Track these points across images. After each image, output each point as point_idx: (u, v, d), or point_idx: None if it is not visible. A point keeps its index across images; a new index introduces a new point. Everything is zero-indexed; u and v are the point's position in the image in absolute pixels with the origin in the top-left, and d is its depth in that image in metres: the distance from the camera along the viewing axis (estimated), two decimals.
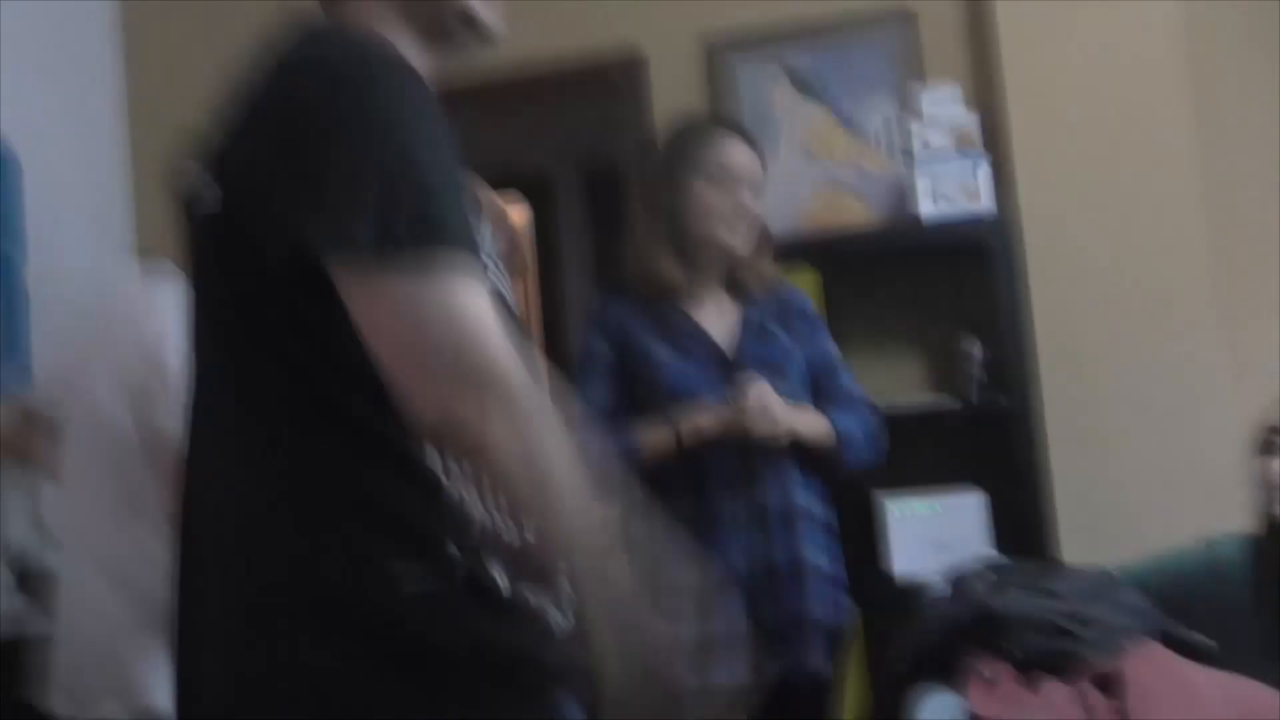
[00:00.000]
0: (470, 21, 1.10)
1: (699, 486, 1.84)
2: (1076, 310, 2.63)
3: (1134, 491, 2.56)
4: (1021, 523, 2.52)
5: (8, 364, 2.87)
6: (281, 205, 0.93)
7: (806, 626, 1.82)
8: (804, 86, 2.91)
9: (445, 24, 1.10)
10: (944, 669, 1.37)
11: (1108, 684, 0.96)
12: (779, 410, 1.80)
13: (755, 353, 1.92)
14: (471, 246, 0.94)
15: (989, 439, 2.71)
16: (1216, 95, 2.91)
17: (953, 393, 2.73)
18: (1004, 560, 1.78)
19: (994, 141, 2.71)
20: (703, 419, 1.82)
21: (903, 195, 2.76)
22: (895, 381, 2.83)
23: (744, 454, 1.83)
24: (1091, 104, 2.67)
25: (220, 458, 1.01)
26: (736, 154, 1.95)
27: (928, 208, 2.66)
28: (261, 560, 0.96)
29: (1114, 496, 2.56)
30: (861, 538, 2.51)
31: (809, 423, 1.88)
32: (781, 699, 1.59)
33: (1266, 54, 2.96)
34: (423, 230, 0.90)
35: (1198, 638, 1.23)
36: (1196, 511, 2.45)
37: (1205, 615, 1.71)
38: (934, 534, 2.51)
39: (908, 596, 2.16)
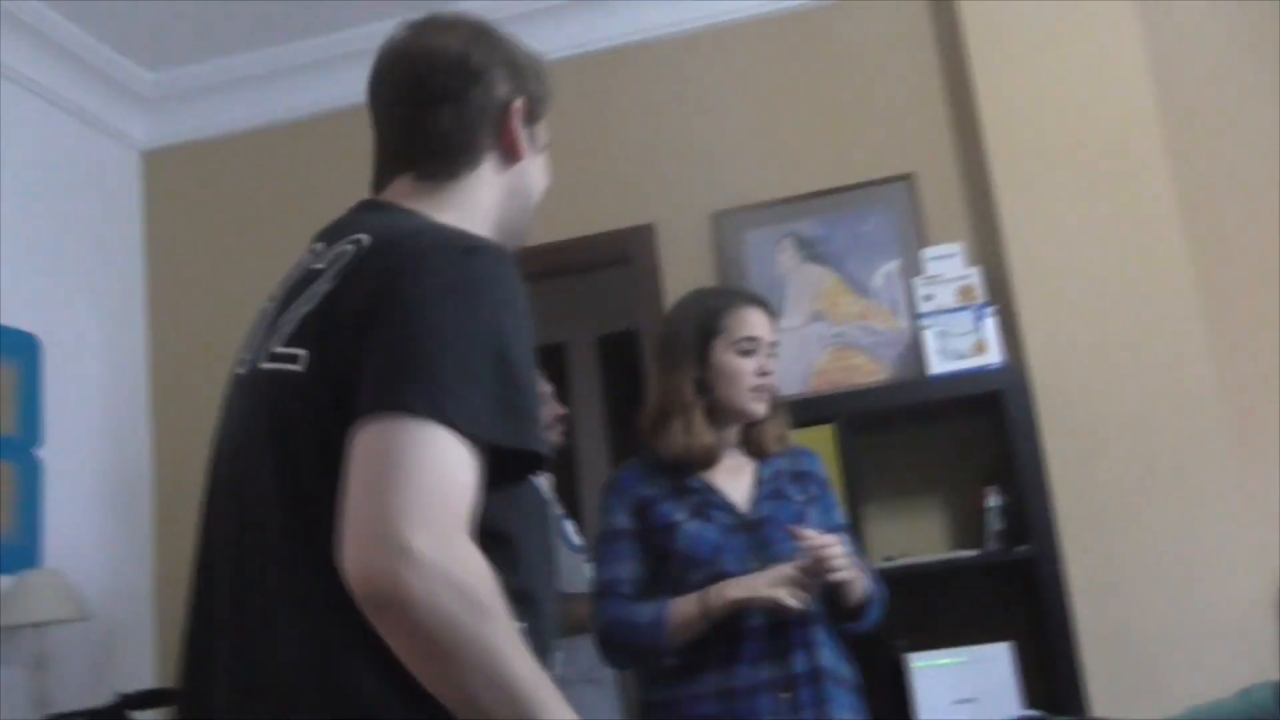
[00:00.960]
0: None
1: (729, 656, 1.83)
2: (1091, 457, 2.65)
3: (1160, 640, 2.52)
4: (1050, 674, 2.48)
5: (22, 540, 2.90)
6: (380, 377, 0.97)
7: None
8: (811, 252, 3.01)
9: (524, 230, 1.25)
10: None
11: None
12: (841, 557, 1.80)
13: (772, 513, 1.94)
14: (542, 443, 1.02)
15: (1012, 590, 2.69)
16: (1217, 247, 3.00)
17: (973, 545, 2.72)
18: (1037, 714, 1.75)
19: (999, 295, 2.78)
20: (733, 590, 1.82)
21: (913, 352, 2.82)
22: (915, 536, 2.83)
23: (774, 622, 1.83)
24: (1094, 252, 2.74)
25: (272, 605, 1.02)
26: (759, 323, 2.03)
27: (937, 362, 2.71)
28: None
29: (1141, 646, 2.52)
30: (890, 696, 2.46)
31: (856, 576, 1.87)
32: None
33: (1268, 218, 3.06)
34: (516, 423, 0.98)
35: None
36: (1225, 659, 2.41)
37: None
38: (961, 688, 2.46)
39: None
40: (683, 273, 3.00)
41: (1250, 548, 2.54)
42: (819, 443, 2.49)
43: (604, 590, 1.92)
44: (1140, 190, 2.75)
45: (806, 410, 2.50)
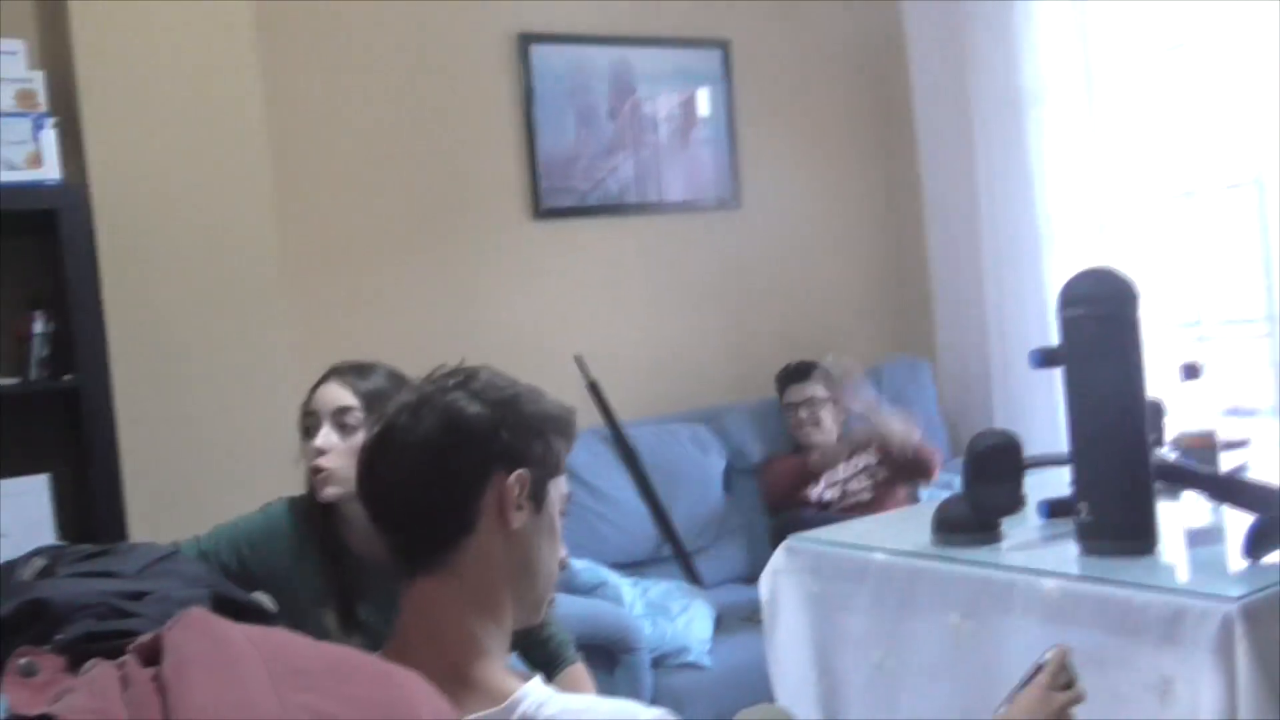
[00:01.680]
0: None
1: None
2: (148, 286, 2.61)
3: (203, 468, 2.63)
4: (90, 506, 2.44)
5: None
6: None
7: None
8: None
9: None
10: None
11: (152, 654, 0.96)
12: None
13: None
14: None
15: (55, 420, 2.57)
16: (285, 87, 3.12)
17: (15, 373, 2.52)
18: (60, 545, 1.69)
19: (63, 105, 2.56)
20: None
21: None
22: None
23: None
24: (170, 71, 2.66)
25: None
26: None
27: None
28: None
29: (183, 474, 2.60)
30: None
31: None
32: None
33: (330, 52, 3.26)
34: None
35: (245, 597, 1.30)
36: (268, 484, 2.60)
37: (264, 574, 1.84)
38: None
39: None
40: None
41: (292, 382, 2.76)
42: None
43: None
44: (220, 17, 2.72)
45: None
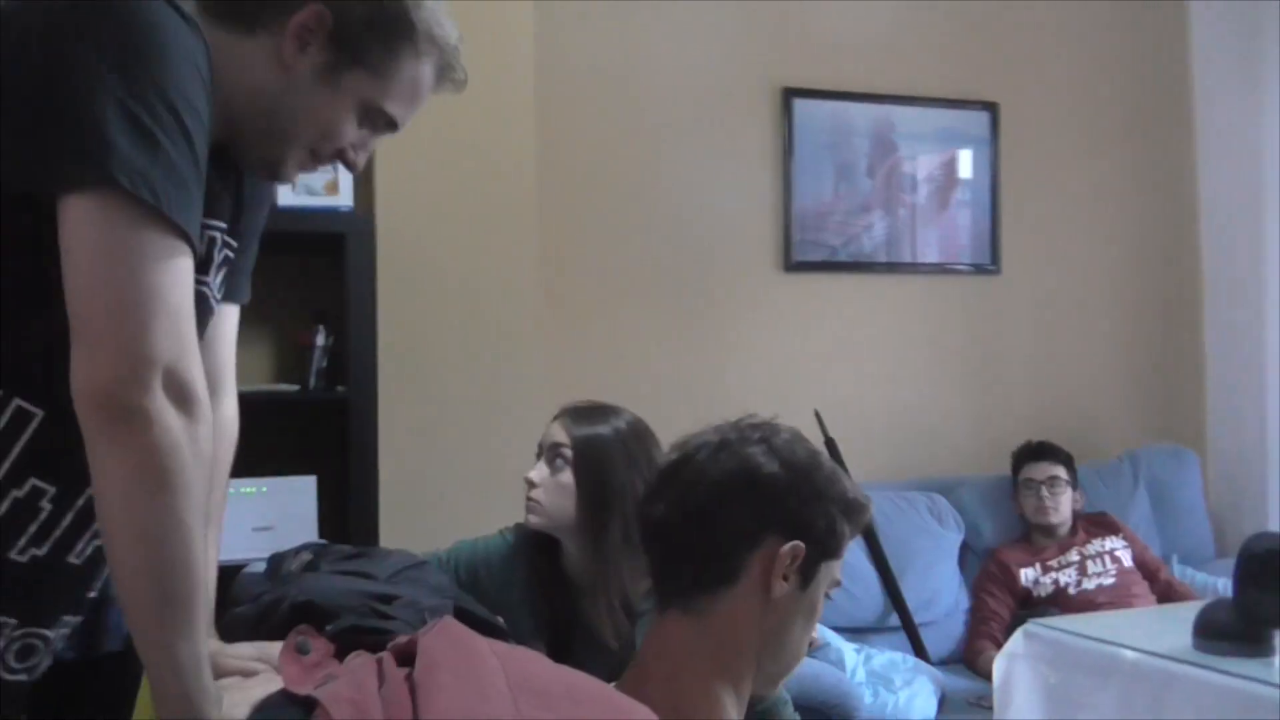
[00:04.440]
0: None
1: None
2: (421, 312, 2.78)
3: (455, 484, 2.76)
4: (347, 509, 2.60)
5: None
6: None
7: None
8: None
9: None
10: None
11: (406, 655, 1.02)
12: None
13: None
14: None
15: (327, 427, 2.77)
16: (555, 134, 3.27)
17: (297, 380, 2.74)
18: (323, 543, 1.82)
19: None
20: None
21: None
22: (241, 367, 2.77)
23: None
24: (451, 124, 2.83)
25: None
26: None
27: (288, 194, 2.64)
28: None
29: (435, 488, 2.74)
30: None
31: None
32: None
33: (597, 100, 3.39)
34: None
35: (484, 612, 1.36)
36: (509, 507, 2.71)
37: (495, 596, 1.92)
38: (263, 516, 2.49)
39: (227, 578, 2.11)
40: None
41: (541, 416, 2.86)
42: None
43: None
44: (503, 69, 2.88)
45: None
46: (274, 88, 1.14)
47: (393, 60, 1.17)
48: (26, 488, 1.03)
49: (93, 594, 1.17)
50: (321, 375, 2.71)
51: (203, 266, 1.15)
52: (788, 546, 1.15)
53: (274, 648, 1.14)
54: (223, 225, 1.20)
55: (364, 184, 2.76)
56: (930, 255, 3.82)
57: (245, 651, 1.17)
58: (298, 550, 1.67)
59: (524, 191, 2.91)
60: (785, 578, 1.15)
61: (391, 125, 1.23)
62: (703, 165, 3.54)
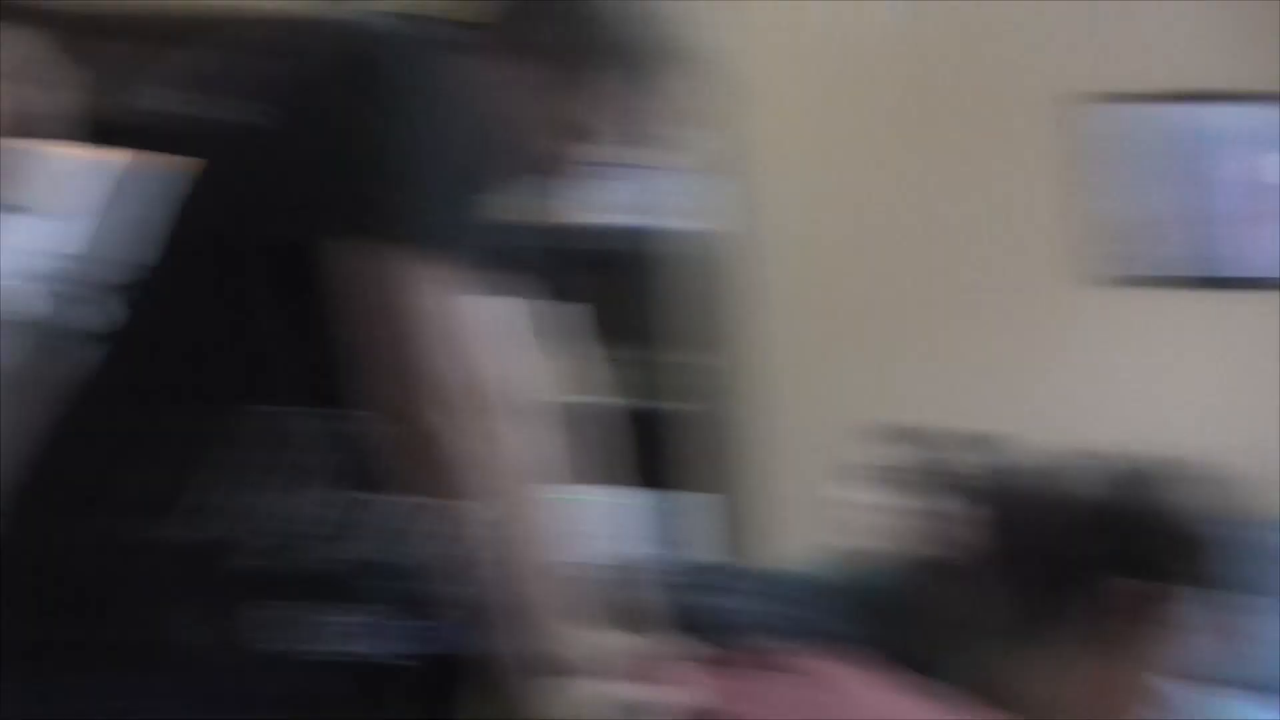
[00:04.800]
0: None
1: None
2: (809, 330, 2.85)
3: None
4: (739, 525, 2.66)
5: None
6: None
7: None
8: None
9: None
10: None
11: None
12: None
13: None
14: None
15: (716, 442, 2.84)
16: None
17: (680, 397, 2.82)
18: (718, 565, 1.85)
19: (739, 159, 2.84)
20: None
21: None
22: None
23: None
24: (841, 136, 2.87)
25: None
26: None
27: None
28: None
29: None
30: None
31: None
32: None
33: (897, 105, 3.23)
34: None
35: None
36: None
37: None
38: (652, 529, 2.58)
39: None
40: None
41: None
42: None
43: None
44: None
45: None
46: None
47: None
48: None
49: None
50: (708, 391, 2.78)
51: None
52: None
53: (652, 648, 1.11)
54: None
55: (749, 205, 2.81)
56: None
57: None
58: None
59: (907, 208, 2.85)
60: None
61: None
62: (990, 175, 3.24)
